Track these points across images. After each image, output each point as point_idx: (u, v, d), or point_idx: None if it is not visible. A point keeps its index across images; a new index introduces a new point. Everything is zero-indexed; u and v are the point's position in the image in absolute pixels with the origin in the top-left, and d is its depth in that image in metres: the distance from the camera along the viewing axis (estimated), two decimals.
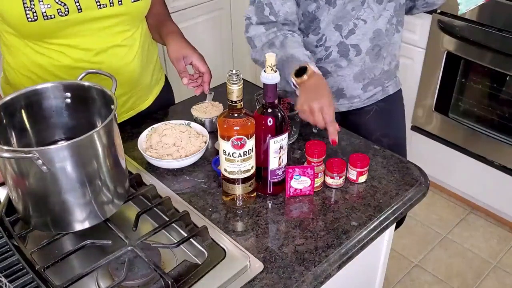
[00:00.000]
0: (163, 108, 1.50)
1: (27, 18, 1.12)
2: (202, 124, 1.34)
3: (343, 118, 1.57)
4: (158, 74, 1.49)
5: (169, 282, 0.88)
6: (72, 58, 1.23)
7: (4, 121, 0.99)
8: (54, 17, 1.14)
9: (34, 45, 1.21)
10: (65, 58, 1.23)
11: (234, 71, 0.97)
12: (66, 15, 1.15)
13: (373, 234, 1.08)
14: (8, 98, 0.99)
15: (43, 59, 1.23)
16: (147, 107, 1.47)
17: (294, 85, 1.22)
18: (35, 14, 1.12)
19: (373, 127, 1.55)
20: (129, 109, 1.42)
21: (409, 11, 1.50)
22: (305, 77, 1.19)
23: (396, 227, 1.68)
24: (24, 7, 1.11)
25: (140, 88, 1.41)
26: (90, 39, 1.22)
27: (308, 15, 1.36)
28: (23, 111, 1.03)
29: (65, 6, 1.14)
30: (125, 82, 1.32)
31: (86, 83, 1.05)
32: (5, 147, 0.85)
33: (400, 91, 1.61)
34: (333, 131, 1.14)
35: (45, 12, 1.12)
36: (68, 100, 1.06)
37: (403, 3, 1.43)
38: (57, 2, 1.13)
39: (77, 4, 1.15)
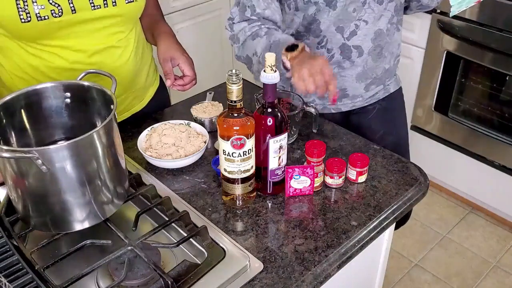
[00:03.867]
0: (159, 109, 1.50)
1: (21, 19, 1.11)
2: (202, 124, 1.34)
3: (345, 118, 1.57)
4: (153, 75, 1.49)
5: (169, 282, 0.88)
6: (66, 60, 1.22)
7: (4, 121, 0.99)
8: (48, 18, 1.13)
9: (28, 47, 1.20)
10: (59, 60, 1.22)
11: (233, 71, 0.98)
12: (60, 16, 1.14)
13: (372, 234, 1.08)
14: (8, 98, 0.99)
15: (37, 60, 1.22)
16: (142, 108, 1.47)
17: (285, 66, 1.23)
18: (28, 15, 1.11)
19: (376, 126, 1.56)
20: (124, 110, 1.42)
21: (404, 11, 1.50)
22: (296, 52, 1.20)
23: (399, 227, 1.68)
24: (18, 8, 1.10)
25: (135, 89, 1.40)
26: (84, 40, 1.22)
27: (307, 18, 1.37)
28: (23, 111, 1.03)
29: (58, 7, 1.13)
30: (120, 83, 1.32)
31: (86, 83, 1.05)
32: (5, 147, 0.85)
33: (400, 89, 1.62)
34: (334, 88, 1.13)
35: (38, 13, 1.12)
36: (68, 100, 1.06)
37: (403, 2, 1.43)
38: (50, 3, 1.12)
39: (71, 5, 1.15)
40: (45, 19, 1.13)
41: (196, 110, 1.38)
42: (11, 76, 1.26)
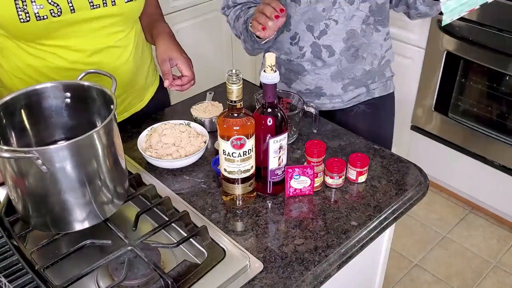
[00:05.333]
0: (159, 109, 1.50)
1: (20, 19, 1.11)
2: (202, 124, 1.34)
3: (330, 118, 1.53)
4: (152, 74, 1.49)
5: (169, 282, 0.88)
6: (66, 60, 1.22)
7: (4, 121, 0.99)
8: (47, 18, 1.13)
9: (27, 47, 1.19)
10: (59, 60, 1.22)
11: (233, 71, 0.98)
12: (58, 15, 1.14)
13: (372, 234, 1.08)
14: (8, 98, 0.99)
15: (36, 60, 1.21)
16: (142, 108, 1.47)
17: (256, 36, 1.33)
18: (27, 15, 1.11)
19: (359, 126, 1.52)
20: (124, 110, 1.42)
21: (407, 16, 1.49)
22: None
23: None
24: (16, 8, 1.10)
25: (135, 89, 1.40)
26: (83, 40, 1.21)
27: None
28: (23, 111, 1.03)
29: (57, 7, 1.13)
30: (120, 83, 1.31)
31: (86, 83, 1.05)
32: (5, 147, 0.85)
33: (390, 95, 1.58)
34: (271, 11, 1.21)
35: (37, 12, 1.11)
36: (68, 100, 1.06)
37: (382, 2, 1.39)
38: (49, 3, 1.12)
39: (70, 4, 1.14)
40: (44, 18, 1.13)
41: (196, 110, 1.38)
42: (10, 77, 1.26)
